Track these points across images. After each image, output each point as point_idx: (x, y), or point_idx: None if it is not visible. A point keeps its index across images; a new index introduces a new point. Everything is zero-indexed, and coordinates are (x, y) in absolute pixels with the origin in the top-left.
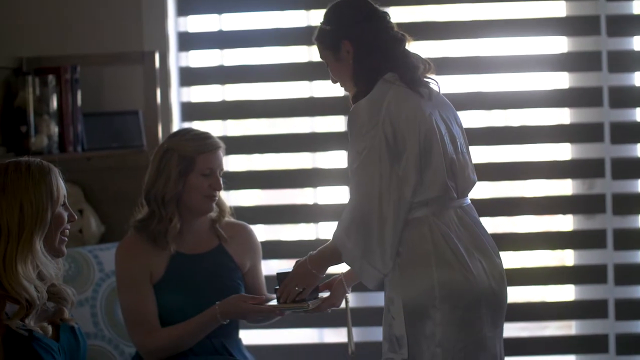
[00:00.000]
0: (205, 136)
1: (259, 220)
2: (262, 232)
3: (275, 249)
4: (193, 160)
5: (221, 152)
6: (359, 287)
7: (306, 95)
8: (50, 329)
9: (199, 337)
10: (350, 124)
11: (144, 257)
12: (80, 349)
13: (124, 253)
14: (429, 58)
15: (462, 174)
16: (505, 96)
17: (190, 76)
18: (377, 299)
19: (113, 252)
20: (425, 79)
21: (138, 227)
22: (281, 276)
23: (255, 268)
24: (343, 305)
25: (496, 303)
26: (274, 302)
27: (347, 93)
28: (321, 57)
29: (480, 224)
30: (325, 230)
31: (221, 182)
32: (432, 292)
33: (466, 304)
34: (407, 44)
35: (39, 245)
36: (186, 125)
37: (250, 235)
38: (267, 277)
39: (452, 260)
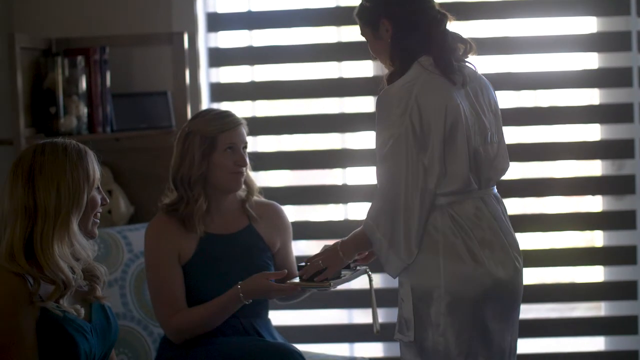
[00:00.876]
0: (225, 114)
1: (288, 201)
2: (291, 213)
3: (304, 230)
4: (215, 140)
5: (242, 128)
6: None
7: (335, 76)
8: (83, 311)
9: (223, 318)
10: (378, 108)
11: (173, 237)
12: (112, 329)
13: (153, 233)
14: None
15: (489, 165)
16: (535, 77)
17: (219, 57)
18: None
19: (142, 233)
20: (464, 62)
21: (167, 210)
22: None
23: (285, 248)
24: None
25: (507, 296)
26: (296, 280)
27: (377, 74)
28: (361, 33)
29: (500, 216)
30: (354, 211)
31: (246, 157)
32: (438, 282)
33: (472, 295)
34: (447, 23)
35: (75, 226)
36: (215, 106)
37: (280, 215)
38: (297, 258)
39: (461, 251)
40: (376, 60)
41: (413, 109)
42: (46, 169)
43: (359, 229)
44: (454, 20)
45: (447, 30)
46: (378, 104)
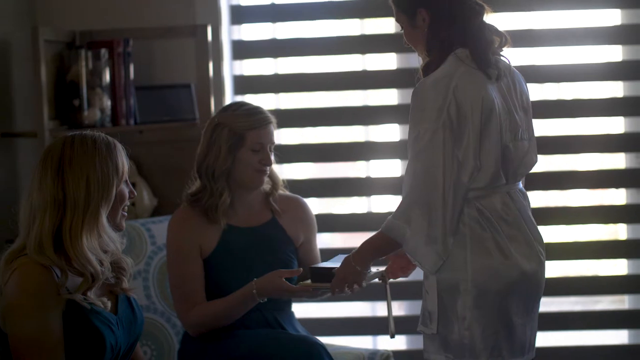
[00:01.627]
0: (256, 111)
1: (311, 193)
2: (315, 206)
3: (327, 222)
4: (243, 137)
5: (272, 127)
6: None
7: (359, 68)
8: (109, 303)
9: (239, 314)
10: (415, 100)
11: (195, 230)
12: (138, 321)
13: (175, 226)
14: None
15: (518, 161)
16: (559, 69)
17: (243, 49)
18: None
19: (165, 225)
20: (499, 56)
21: (190, 200)
22: (314, 270)
23: (309, 242)
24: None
25: (531, 290)
26: (308, 282)
27: (401, 66)
28: (396, 19)
29: (526, 210)
30: (378, 204)
31: (272, 157)
32: (465, 275)
33: (498, 290)
34: (485, 15)
35: (104, 219)
36: (239, 98)
37: (304, 209)
38: (321, 251)
39: (488, 245)
40: (407, 49)
41: (451, 102)
42: (75, 161)
43: (374, 234)
44: (491, 12)
45: (484, 22)
46: (414, 96)
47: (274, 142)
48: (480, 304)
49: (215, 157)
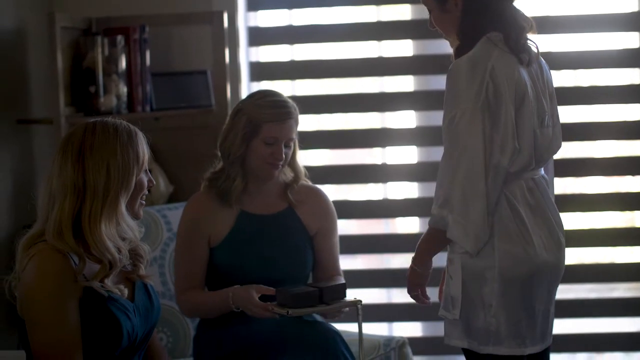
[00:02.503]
0: (278, 105)
1: (327, 180)
2: (331, 192)
3: (343, 209)
4: (259, 127)
5: (292, 122)
6: None
7: (375, 55)
8: (126, 291)
9: (219, 312)
10: (450, 82)
11: (208, 217)
12: (155, 308)
13: (189, 208)
14: None
15: (543, 147)
16: (575, 56)
17: (259, 36)
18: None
19: (181, 212)
20: (529, 41)
21: (210, 179)
22: (279, 292)
23: (325, 233)
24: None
25: (553, 276)
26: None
27: (417, 53)
28: (423, 2)
29: (548, 196)
30: (393, 190)
31: (285, 151)
32: (492, 262)
33: (523, 277)
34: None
35: (123, 207)
36: (254, 85)
37: (321, 200)
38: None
39: (514, 233)
40: (434, 29)
41: (488, 83)
42: (96, 148)
43: (422, 236)
44: None
45: (515, 7)
46: (450, 78)
47: (291, 138)
48: (505, 291)
49: (231, 142)
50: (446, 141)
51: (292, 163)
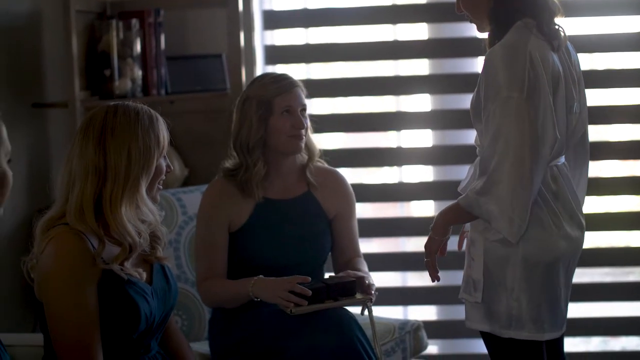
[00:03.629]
0: (280, 78)
1: (342, 163)
2: (346, 175)
3: (358, 192)
4: (271, 104)
5: (299, 90)
6: None
7: (390, 38)
8: (145, 274)
9: (236, 302)
10: (489, 69)
11: (227, 203)
12: (172, 291)
13: (208, 196)
14: None
15: (570, 134)
16: (591, 39)
17: (274, 19)
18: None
19: (196, 195)
20: (559, 26)
21: (226, 175)
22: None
23: (344, 215)
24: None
25: (573, 262)
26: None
27: (432, 36)
28: None
29: (570, 182)
30: (409, 174)
31: (305, 120)
32: (516, 247)
33: (547, 264)
34: None
35: (144, 190)
36: (270, 68)
37: (340, 183)
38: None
39: (541, 216)
40: (462, 13)
41: (529, 72)
42: (118, 131)
43: (450, 206)
44: None
45: None
46: (488, 65)
47: (304, 105)
48: (528, 276)
49: (248, 130)
50: (489, 130)
51: (307, 143)
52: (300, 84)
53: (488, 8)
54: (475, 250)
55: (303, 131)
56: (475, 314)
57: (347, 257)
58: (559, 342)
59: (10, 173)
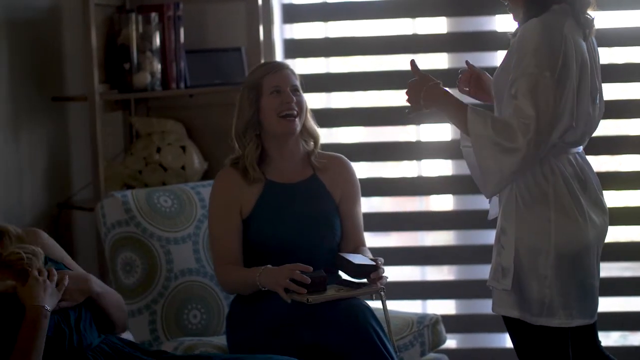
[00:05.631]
0: (268, 63)
1: (361, 157)
2: (365, 170)
3: (377, 186)
4: (259, 85)
5: (288, 72)
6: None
7: (409, 32)
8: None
9: (249, 290)
10: (522, 43)
11: (235, 188)
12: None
13: (217, 184)
14: None
15: (591, 124)
16: (611, 33)
17: (293, 13)
18: (480, 237)
19: None
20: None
21: (232, 163)
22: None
23: (349, 199)
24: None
25: (600, 244)
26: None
27: (451, 30)
28: None
29: (591, 167)
30: (428, 168)
31: (297, 98)
32: (548, 235)
33: (577, 253)
34: None
35: None
36: (288, 62)
37: (344, 166)
38: (370, 215)
39: (569, 206)
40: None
41: (562, 51)
42: None
43: (463, 111)
44: None
45: None
46: (523, 37)
47: (295, 85)
48: (560, 264)
49: (241, 116)
50: (518, 94)
51: (308, 128)
52: (291, 68)
53: None
54: (505, 239)
55: (295, 108)
56: (506, 301)
57: (352, 246)
58: (592, 332)
59: None
